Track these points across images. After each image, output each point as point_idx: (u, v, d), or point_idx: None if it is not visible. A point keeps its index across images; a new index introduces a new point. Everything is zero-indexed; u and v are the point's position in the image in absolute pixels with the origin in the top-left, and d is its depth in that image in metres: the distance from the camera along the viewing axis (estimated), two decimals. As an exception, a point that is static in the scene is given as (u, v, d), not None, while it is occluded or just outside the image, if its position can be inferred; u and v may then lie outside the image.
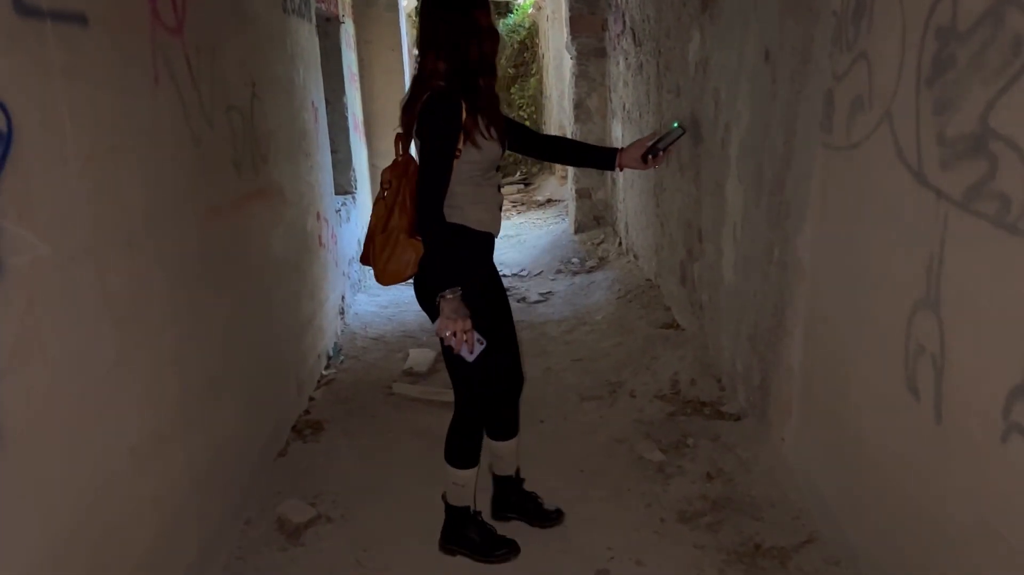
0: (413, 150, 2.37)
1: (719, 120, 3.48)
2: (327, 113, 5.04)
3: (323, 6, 5.03)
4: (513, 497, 2.74)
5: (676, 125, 2.39)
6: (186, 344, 2.40)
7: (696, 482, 2.88)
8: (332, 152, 5.17)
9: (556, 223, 8.12)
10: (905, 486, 1.98)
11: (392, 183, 2.35)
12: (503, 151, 2.33)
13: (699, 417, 3.37)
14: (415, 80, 2.29)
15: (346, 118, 5.83)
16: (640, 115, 5.37)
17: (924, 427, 1.84)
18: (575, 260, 6.44)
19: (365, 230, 6.22)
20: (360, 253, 2.52)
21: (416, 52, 2.38)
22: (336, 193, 5.30)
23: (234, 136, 2.95)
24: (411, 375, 4.18)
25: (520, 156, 2.62)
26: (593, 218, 7.08)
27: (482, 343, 2.20)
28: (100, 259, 1.90)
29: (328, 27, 5.49)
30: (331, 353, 4.41)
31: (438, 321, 2.16)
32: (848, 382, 2.33)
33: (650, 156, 2.39)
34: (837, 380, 2.41)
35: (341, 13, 5.79)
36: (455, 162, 2.20)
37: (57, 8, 1.74)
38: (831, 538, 2.43)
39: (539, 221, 8.46)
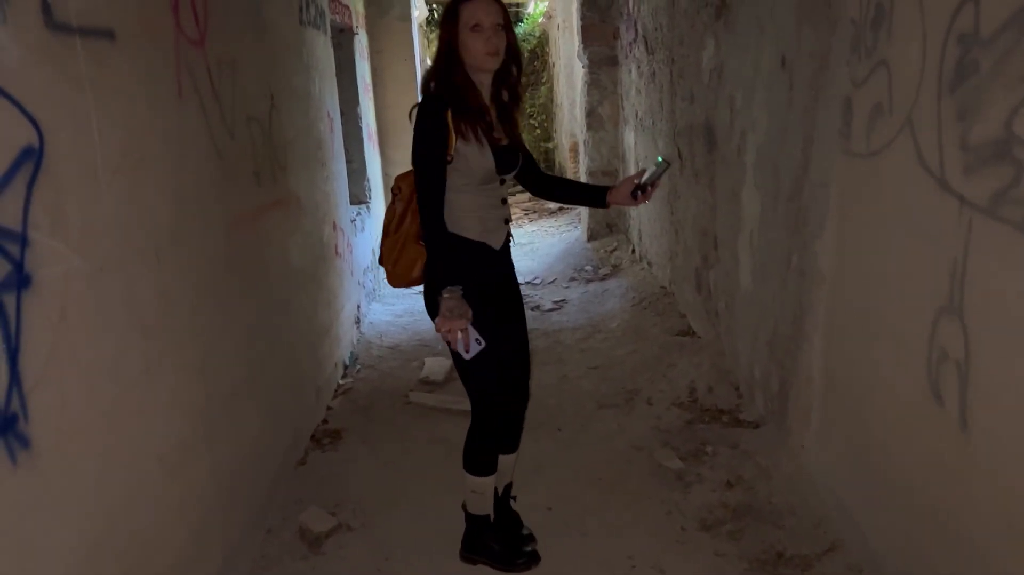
0: None
1: (735, 127, 3.49)
2: (342, 123, 5.07)
3: (337, 17, 5.07)
4: (496, 511, 2.62)
5: (660, 160, 2.43)
6: (210, 353, 2.42)
7: (716, 490, 2.88)
8: (347, 162, 5.20)
9: (568, 231, 8.13)
10: (930, 492, 1.98)
11: (403, 190, 2.40)
12: (497, 165, 2.27)
13: (717, 424, 3.37)
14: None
15: (360, 128, 5.87)
16: (653, 123, 5.39)
17: (949, 433, 1.84)
18: (588, 268, 6.45)
19: (380, 240, 6.27)
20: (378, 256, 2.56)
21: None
22: (351, 203, 5.33)
23: (254, 147, 2.98)
24: (427, 384, 4.19)
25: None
26: (606, 225, 7.09)
27: (480, 343, 2.23)
28: (129, 270, 1.92)
29: (342, 38, 5.53)
30: (347, 362, 4.43)
31: (438, 318, 2.22)
32: (870, 389, 2.32)
33: (639, 192, 2.42)
34: (859, 387, 2.40)
35: (355, 24, 5.83)
36: (449, 168, 2.22)
37: (86, 24, 1.77)
38: (854, 545, 2.42)
39: (552, 229, 8.47)
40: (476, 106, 2.25)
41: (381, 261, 2.49)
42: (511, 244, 2.51)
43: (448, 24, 2.21)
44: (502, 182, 2.37)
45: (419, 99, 2.32)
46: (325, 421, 3.73)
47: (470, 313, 2.21)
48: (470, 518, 2.59)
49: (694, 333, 4.42)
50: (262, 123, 3.12)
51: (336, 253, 4.41)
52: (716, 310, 3.97)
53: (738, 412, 3.43)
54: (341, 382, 4.21)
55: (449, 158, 2.21)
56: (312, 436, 3.55)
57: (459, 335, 2.20)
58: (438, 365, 4.39)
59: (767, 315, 3.16)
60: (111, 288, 1.83)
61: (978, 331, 1.72)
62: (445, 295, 2.18)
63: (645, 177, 2.41)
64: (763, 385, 3.26)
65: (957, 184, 1.77)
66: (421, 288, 2.41)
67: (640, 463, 3.15)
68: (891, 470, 2.19)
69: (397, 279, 2.44)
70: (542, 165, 3.47)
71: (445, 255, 2.24)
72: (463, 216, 2.29)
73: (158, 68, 2.16)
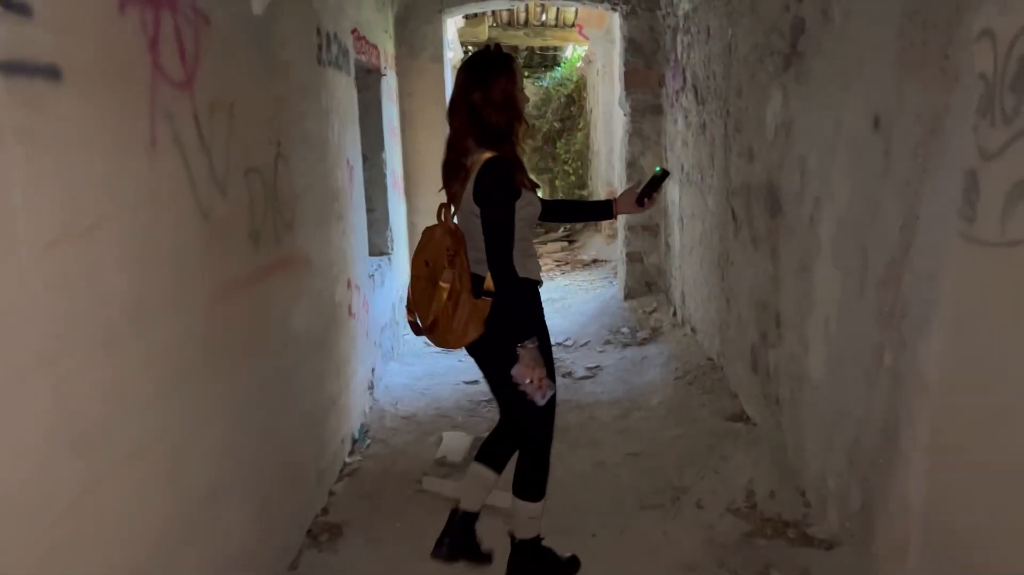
0: (458, 217, 2.57)
1: (806, 193, 3.03)
2: (364, 169, 4.70)
3: (364, 57, 4.73)
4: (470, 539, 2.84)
5: (659, 169, 2.72)
6: (182, 454, 2.00)
7: (786, 633, 2.37)
8: (368, 211, 4.81)
9: (603, 287, 7.66)
10: None
11: (453, 249, 2.48)
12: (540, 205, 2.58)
13: (782, 540, 2.86)
14: (450, 148, 2.52)
15: (384, 175, 5.49)
16: (702, 178, 4.94)
17: None
18: (625, 330, 5.97)
19: (401, 292, 5.84)
20: (405, 322, 2.67)
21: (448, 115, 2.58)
22: (371, 254, 4.94)
23: (252, 203, 2.58)
24: (444, 465, 3.73)
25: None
26: (644, 284, 6.62)
27: (552, 389, 2.46)
28: (62, 371, 1.51)
29: (369, 79, 5.18)
30: (356, 436, 3.99)
31: (517, 367, 2.37)
32: (995, 531, 1.83)
33: (645, 199, 2.68)
34: (979, 526, 1.91)
35: (383, 65, 5.50)
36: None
37: (13, 59, 1.38)
38: None
39: (585, 283, 8.01)
40: (520, 157, 2.53)
41: (425, 330, 2.57)
42: None
43: (507, 79, 2.44)
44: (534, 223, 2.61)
45: (448, 139, 2.54)
46: (325, 511, 3.27)
47: (544, 363, 2.40)
48: (521, 545, 2.71)
49: (749, 419, 3.91)
50: (264, 175, 2.72)
51: (350, 314, 3.99)
52: (777, 397, 3.48)
53: (806, 526, 2.92)
54: (348, 460, 3.76)
55: None
56: (308, 531, 3.09)
57: (539, 385, 2.38)
58: (457, 442, 3.93)
59: (847, 418, 2.67)
60: (33, 399, 1.42)
61: None
62: (528, 346, 2.35)
63: (645, 184, 2.70)
64: (839, 499, 2.76)
65: None
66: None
67: (691, 588, 2.65)
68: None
69: (463, 339, 2.49)
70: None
71: (526, 306, 2.46)
72: (523, 260, 2.47)
73: (123, 114, 1.77)
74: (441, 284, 2.45)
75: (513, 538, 2.74)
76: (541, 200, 2.64)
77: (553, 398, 2.54)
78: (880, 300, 2.41)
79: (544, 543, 2.79)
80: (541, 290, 2.61)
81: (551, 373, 2.50)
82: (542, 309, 2.61)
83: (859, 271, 2.55)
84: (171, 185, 2.00)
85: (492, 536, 2.91)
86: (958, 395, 1.99)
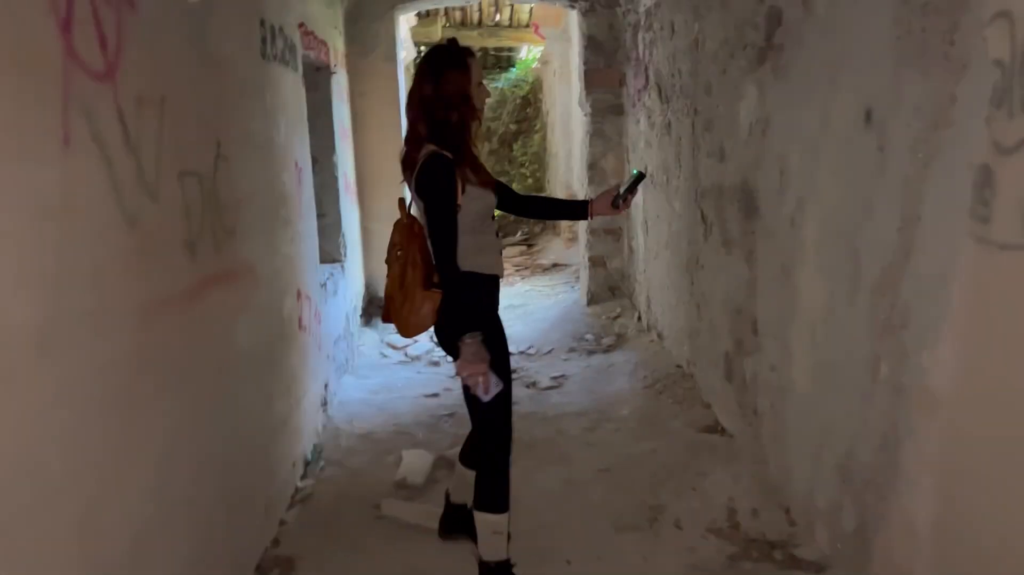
0: (414, 210, 2.58)
1: (787, 193, 2.87)
2: (314, 173, 4.42)
3: (312, 54, 4.46)
4: (467, 521, 2.74)
5: (636, 172, 2.68)
6: (99, 499, 1.73)
7: (782, 670, 2.19)
8: (319, 216, 4.54)
9: (565, 292, 7.46)
10: None
11: (401, 243, 2.51)
12: (496, 199, 2.54)
13: (769, 564, 2.68)
14: (406, 141, 2.51)
15: (336, 178, 5.22)
16: (668, 179, 4.78)
17: None
18: (589, 336, 5.78)
19: (356, 302, 5.60)
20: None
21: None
22: (322, 261, 4.66)
23: (189, 209, 2.32)
24: (404, 487, 3.48)
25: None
26: (608, 289, 6.43)
27: (499, 385, 2.37)
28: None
29: (318, 77, 4.91)
30: (309, 458, 3.72)
31: (458, 363, 2.36)
32: (1017, 557, 1.67)
33: (621, 201, 2.62)
34: (999, 552, 1.75)
35: (333, 63, 5.23)
36: (458, 215, 2.38)
37: None
38: None
39: (546, 288, 7.80)
40: (478, 162, 2.50)
41: (389, 317, 2.59)
42: None
43: (461, 73, 2.41)
44: (492, 216, 2.56)
45: (405, 131, 2.54)
46: (276, 542, 3.00)
47: (488, 358, 2.33)
48: (489, 569, 2.58)
49: (724, 431, 3.75)
50: (203, 178, 2.46)
51: (300, 327, 3.72)
52: (755, 407, 3.31)
53: (793, 546, 2.75)
54: (300, 485, 3.49)
55: (458, 208, 2.37)
56: (257, 566, 2.82)
57: (480, 380, 2.32)
58: (418, 462, 3.69)
59: (837, 432, 2.51)
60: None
61: None
62: (468, 340, 2.31)
63: (622, 187, 2.64)
64: (829, 518, 2.59)
65: None
66: (400, 358, 2.67)
67: (676, 620, 2.46)
68: None
69: (413, 329, 2.51)
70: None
71: (466, 299, 2.41)
72: (476, 255, 2.44)
73: (28, 107, 1.51)
74: (392, 275, 2.54)
75: (480, 563, 2.60)
76: (515, 194, 2.71)
77: (509, 400, 2.50)
78: (875, 307, 2.24)
79: (515, 572, 2.59)
80: (500, 294, 2.60)
81: (505, 370, 2.48)
82: (493, 303, 2.57)
83: (849, 276, 2.38)
84: (89, 189, 1.74)
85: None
86: (972, 410, 1.83)
